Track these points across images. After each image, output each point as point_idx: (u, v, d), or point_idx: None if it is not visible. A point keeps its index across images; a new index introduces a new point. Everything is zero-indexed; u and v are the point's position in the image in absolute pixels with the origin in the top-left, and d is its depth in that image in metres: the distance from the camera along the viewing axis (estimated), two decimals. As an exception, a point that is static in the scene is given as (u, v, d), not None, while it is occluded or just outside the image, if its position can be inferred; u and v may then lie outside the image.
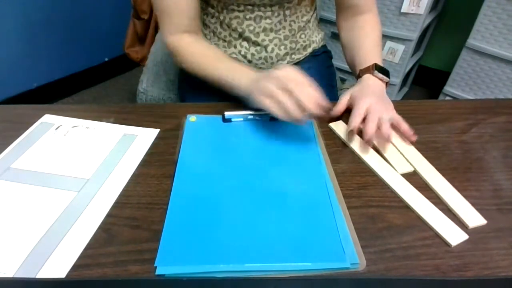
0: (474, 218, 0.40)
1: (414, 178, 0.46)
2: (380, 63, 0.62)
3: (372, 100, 0.54)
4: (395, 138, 0.52)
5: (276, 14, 0.69)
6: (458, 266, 0.35)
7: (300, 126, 0.54)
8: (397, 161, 0.48)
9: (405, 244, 0.38)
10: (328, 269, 0.35)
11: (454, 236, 0.38)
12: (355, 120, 0.51)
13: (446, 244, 0.38)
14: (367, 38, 0.68)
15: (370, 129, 0.50)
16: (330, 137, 0.53)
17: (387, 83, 0.61)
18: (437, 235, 0.39)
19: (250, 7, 0.67)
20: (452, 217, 0.41)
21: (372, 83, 0.60)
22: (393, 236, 0.38)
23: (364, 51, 0.66)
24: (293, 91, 0.47)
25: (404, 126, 0.52)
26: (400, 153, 0.50)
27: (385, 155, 0.49)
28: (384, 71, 0.61)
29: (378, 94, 0.57)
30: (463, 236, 0.38)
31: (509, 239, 0.38)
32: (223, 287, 0.34)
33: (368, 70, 0.61)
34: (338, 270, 0.35)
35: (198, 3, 0.65)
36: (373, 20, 0.70)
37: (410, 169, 0.47)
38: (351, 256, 0.36)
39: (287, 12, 0.70)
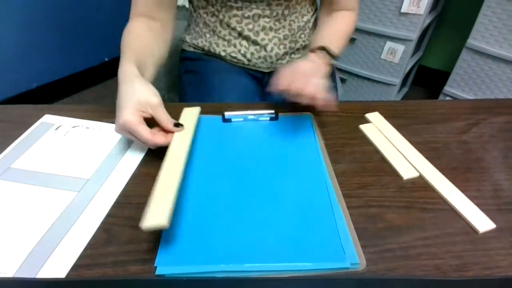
0: (484, 223, 0.40)
1: (419, 182, 0.46)
2: (335, 50, 0.62)
3: (302, 62, 0.54)
4: (398, 142, 0.52)
5: (274, 13, 0.70)
6: (458, 266, 0.35)
7: (300, 126, 0.55)
8: (401, 166, 0.48)
9: (405, 244, 0.38)
10: (328, 269, 0.35)
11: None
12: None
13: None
14: (334, 26, 0.69)
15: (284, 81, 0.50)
16: (330, 137, 0.53)
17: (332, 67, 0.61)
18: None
19: (247, 4, 0.67)
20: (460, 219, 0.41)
21: (312, 59, 0.59)
22: (393, 236, 0.38)
23: (324, 33, 0.67)
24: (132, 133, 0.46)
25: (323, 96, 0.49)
26: (404, 157, 0.49)
27: (389, 160, 0.49)
28: (332, 56, 0.62)
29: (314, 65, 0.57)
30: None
31: (509, 239, 0.38)
32: (223, 287, 0.34)
33: (314, 50, 0.61)
34: (338, 270, 0.35)
35: None
36: (350, 17, 0.72)
37: (416, 174, 0.47)
38: (351, 256, 0.36)
39: (286, 12, 0.70)
